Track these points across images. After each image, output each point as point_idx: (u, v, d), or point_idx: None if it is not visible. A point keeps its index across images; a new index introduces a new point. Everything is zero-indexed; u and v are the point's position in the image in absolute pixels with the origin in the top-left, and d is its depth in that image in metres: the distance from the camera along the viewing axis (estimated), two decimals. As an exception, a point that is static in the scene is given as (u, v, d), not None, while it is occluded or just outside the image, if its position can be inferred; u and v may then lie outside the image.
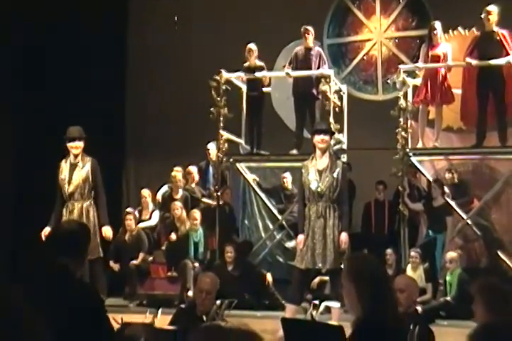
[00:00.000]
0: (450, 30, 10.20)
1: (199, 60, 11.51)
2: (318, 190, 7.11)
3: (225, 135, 9.57)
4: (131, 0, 12.50)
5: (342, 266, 6.01)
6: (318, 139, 7.23)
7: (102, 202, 7.58)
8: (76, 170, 7.51)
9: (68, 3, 11.22)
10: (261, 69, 9.78)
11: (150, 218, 10.07)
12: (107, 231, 7.51)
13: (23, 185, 11.04)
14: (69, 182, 7.49)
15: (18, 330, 1.74)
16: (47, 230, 7.35)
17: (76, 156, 7.54)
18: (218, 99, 9.39)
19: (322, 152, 7.23)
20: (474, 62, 8.87)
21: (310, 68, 9.53)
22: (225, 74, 9.55)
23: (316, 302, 8.02)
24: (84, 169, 7.51)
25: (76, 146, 7.51)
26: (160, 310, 4.93)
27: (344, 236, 7.11)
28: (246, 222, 10.51)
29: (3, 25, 10.75)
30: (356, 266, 3.26)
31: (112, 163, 11.13)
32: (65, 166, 7.58)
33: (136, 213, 10.01)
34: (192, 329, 1.89)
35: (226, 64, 9.75)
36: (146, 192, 10.20)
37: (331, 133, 7.79)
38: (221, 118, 9.40)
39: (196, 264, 9.26)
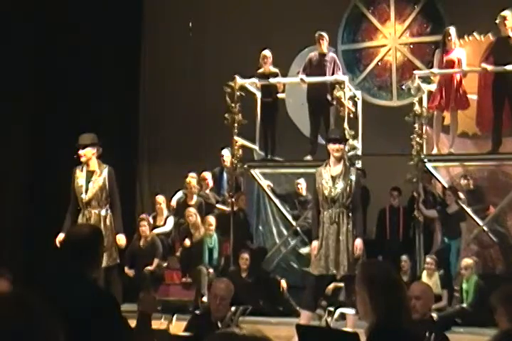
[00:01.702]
0: (465, 36, 10.18)
1: (213, 66, 11.54)
2: (332, 195, 7.09)
3: (240, 141, 9.57)
4: (146, 6, 12.55)
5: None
6: (334, 148, 7.20)
7: (117, 209, 7.58)
8: (93, 178, 7.50)
9: (84, 7, 11.30)
10: (275, 75, 9.79)
11: (164, 224, 10.09)
12: (121, 239, 7.51)
13: (35, 190, 11.10)
14: (86, 191, 7.48)
15: (38, 332, 1.75)
16: (61, 236, 7.35)
17: (88, 163, 7.53)
18: (233, 105, 9.40)
19: (337, 159, 7.22)
20: (490, 67, 8.83)
21: (324, 74, 9.52)
22: (240, 81, 9.56)
23: (331, 308, 7.99)
24: (102, 177, 7.50)
25: (81, 154, 7.48)
26: (175, 316, 4.93)
27: (359, 242, 7.08)
28: (260, 228, 10.51)
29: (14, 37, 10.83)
30: (369, 271, 3.25)
31: (126, 169, 11.17)
32: (80, 173, 7.56)
33: (151, 219, 10.03)
34: (206, 335, 1.88)
35: (240, 70, 9.77)
36: (160, 199, 10.22)
37: (345, 140, 7.77)
38: (235, 125, 9.41)
39: (211, 270, 9.25)
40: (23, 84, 11.10)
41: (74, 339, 2.07)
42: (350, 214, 7.12)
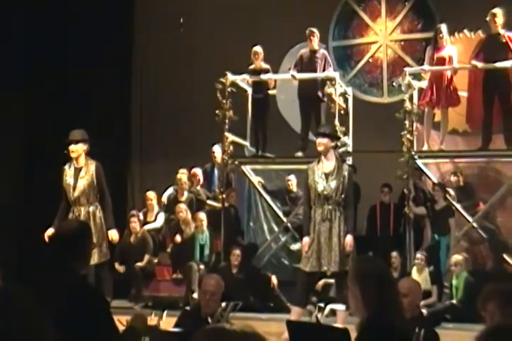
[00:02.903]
0: (456, 33, 10.20)
1: (205, 63, 11.52)
2: (325, 192, 7.09)
3: (231, 137, 9.57)
4: (137, 3, 12.51)
5: (347, 269, 6.01)
6: (317, 142, 7.26)
7: (108, 205, 7.56)
8: (80, 174, 7.47)
9: (76, 5, 11.27)
10: (266, 71, 9.79)
11: (155, 220, 10.08)
12: (114, 235, 7.50)
13: (31, 187, 11.09)
14: (74, 188, 7.45)
15: (26, 330, 1.74)
16: (50, 231, 7.36)
17: (77, 160, 7.49)
18: (224, 101, 9.39)
19: (324, 155, 7.23)
20: (480, 64, 8.86)
21: (315, 71, 9.53)
22: (231, 77, 9.56)
23: (322, 304, 8.01)
24: (89, 173, 7.48)
25: (72, 150, 7.45)
26: (165, 312, 4.92)
27: (349, 239, 7.10)
28: (251, 224, 10.51)
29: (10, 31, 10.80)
30: (362, 267, 3.26)
31: (117, 165, 11.15)
32: (69, 171, 7.53)
33: (141, 215, 10.02)
34: (196, 331, 1.88)
35: (232, 66, 9.76)
36: (151, 195, 10.21)
37: (336, 138, 7.78)
38: (226, 121, 9.41)
39: (201, 266, 9.26)
40: (19, 81, 11.09)
41: (61, 337, 2.06)
42: (342, 211, 7.13)
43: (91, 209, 7.45)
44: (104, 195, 7.53)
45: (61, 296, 3.15)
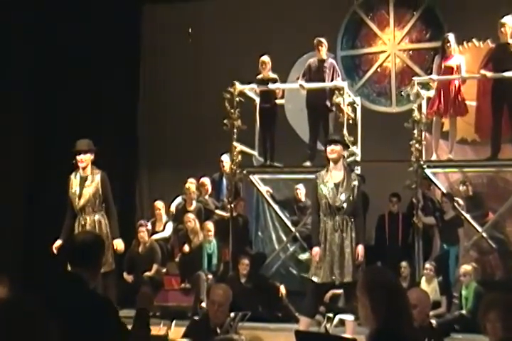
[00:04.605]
0: (464, 42, 10.20)
1: (213, 72, 11.55)
2: (336, 204, 7.05)
3: (239, 147, 9.58)
4: (145, 12, 12.57)
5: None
6: (329, 149, 7.17)
7: (113, 214, 7.55)
8: (86, 183, 7.48)
9: (84, 12, 11.33)
10: (274, 81, 9.80)
11: (163, 230, 10.08)
12: (119, 244, 7.48)
13: (35, 197, 11.10)
14: (79, 196, 7.46)
15: (33, 337, 1.74)
16: (58, 243, 7.38)
17: (84, 169, 7.51)
18: (232, 110, 9.41)
19: (334, 163, 7.17)
20: (489, 74, 8.85)
21: (323, 80, 9.53)
22: (239, 86, 9.58)
23: (330, 315, 7.98)
24: (94, 182, 7.48)
25: (81, 160, 7.47)
26: (174, 322, 4.92)
27: (361, 249, 7.06)
28: (259, 233, 10.49)
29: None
30: (371, 277, 3.24)
31: (125, 174, 11.18)
32: (74, 180, 7.55)
33: (150, 225, 10.02)
34: (205, 341, 1.88)
35: (240, 76, 9.78)
36: (159, 204, 10.22)
37: (346, 146, 7.75)
38: (235, 130, 9.42)
39: (209, 276, 9.24)
40: (24, 87, 11.12)
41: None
42: (352, 221, 7.10)
43: (96, 217, 7.45)
44: (109, 204, 7.53)
45: (70, 306, 3.15)
